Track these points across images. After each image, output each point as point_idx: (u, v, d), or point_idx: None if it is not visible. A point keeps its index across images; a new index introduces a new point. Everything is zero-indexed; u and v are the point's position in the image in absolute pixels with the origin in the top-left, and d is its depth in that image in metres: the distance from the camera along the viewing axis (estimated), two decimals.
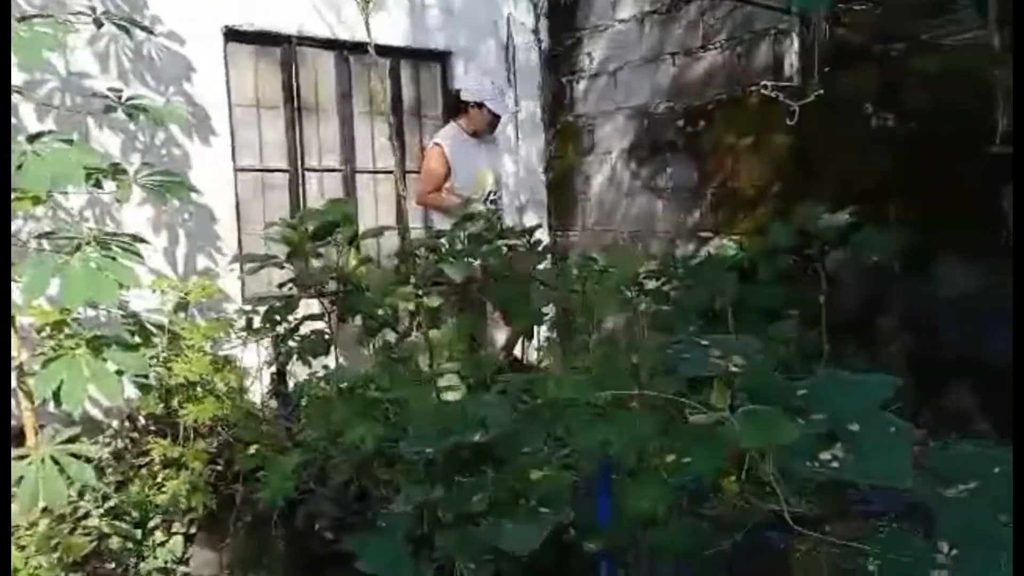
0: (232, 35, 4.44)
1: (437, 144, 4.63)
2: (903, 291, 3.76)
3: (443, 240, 3.75)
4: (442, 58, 5.28)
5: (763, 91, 4.33)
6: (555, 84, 5.61)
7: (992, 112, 3.36)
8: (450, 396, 2.41)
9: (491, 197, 4.53)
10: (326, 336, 2.92)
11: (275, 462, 2.42)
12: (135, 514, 2.57)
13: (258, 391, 2.97)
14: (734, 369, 1.55)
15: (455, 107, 4.72)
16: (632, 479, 1.63)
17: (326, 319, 3.02)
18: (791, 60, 4.33)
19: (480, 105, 4.55)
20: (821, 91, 4.08)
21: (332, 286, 3.10)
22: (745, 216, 4.49)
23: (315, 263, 3.12)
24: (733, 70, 4.52)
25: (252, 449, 2.50)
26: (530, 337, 3.75)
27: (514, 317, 3.63)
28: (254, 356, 2.89)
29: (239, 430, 2.58)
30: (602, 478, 1.80)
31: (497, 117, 4.62)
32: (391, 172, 5.17)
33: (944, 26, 3.72)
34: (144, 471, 2.78)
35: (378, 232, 3.40)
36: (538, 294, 3.42)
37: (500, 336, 4.37)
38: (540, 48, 5.57)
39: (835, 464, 1.30)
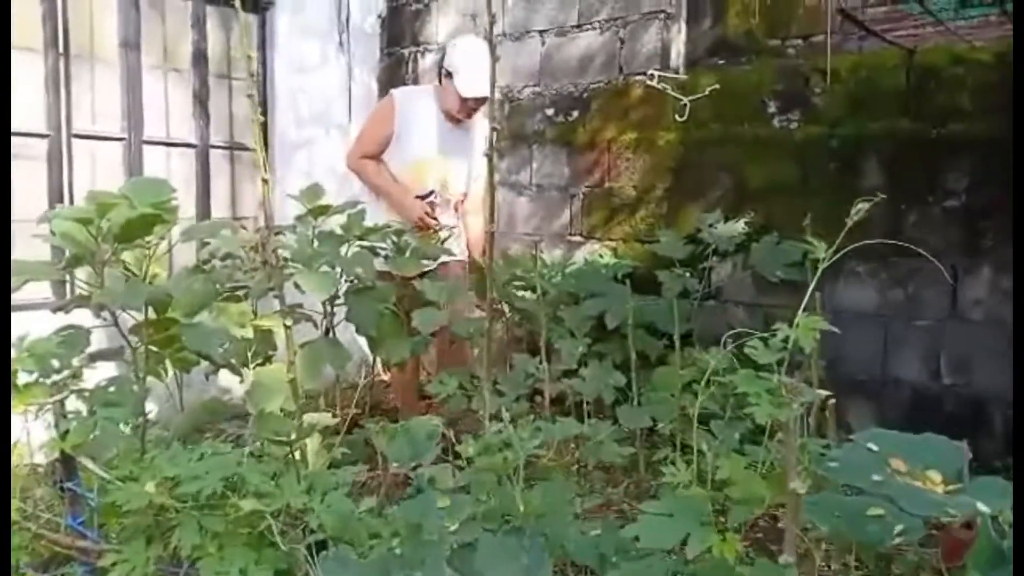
0: None
1: (391, 96, 3.42)
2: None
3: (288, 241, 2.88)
4: (261, 9, 4.27)
5: (649, 81, 3.86)
6: (396, 54, 4.79)
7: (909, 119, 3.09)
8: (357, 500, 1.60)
9: (430, 199, 3.39)
10: (133, 386, 1.95)
11: None
12: None
13: (39, 486, 1.91)
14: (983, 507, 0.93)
15: (439, 70, 3.43)
16: None
17: (131, 359, 2.04)
18: (678, 48, 3.88)
19: (450, 76, 3.30)
20: (717, 85, 3.68)
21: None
22: (623, 220, 3.99)
23: (111, 273, 2.13)
24: (614, 55, 3.99)
25: None
26: (402, 368, 2.96)
27: (379, 345, 2.82)
28: (19, 425, 1.86)
29: None
30: None
31: (471, 101, 3.29)
32: (192, 145, 4.10)
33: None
34: None
35: (215, 228, 2.45)
36: (423, 315, 2.64)
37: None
38: (382, 10, 4.72)
39: None
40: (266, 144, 4.43)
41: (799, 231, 3.36)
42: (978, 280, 3.08)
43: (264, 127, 4.41)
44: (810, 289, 1.58)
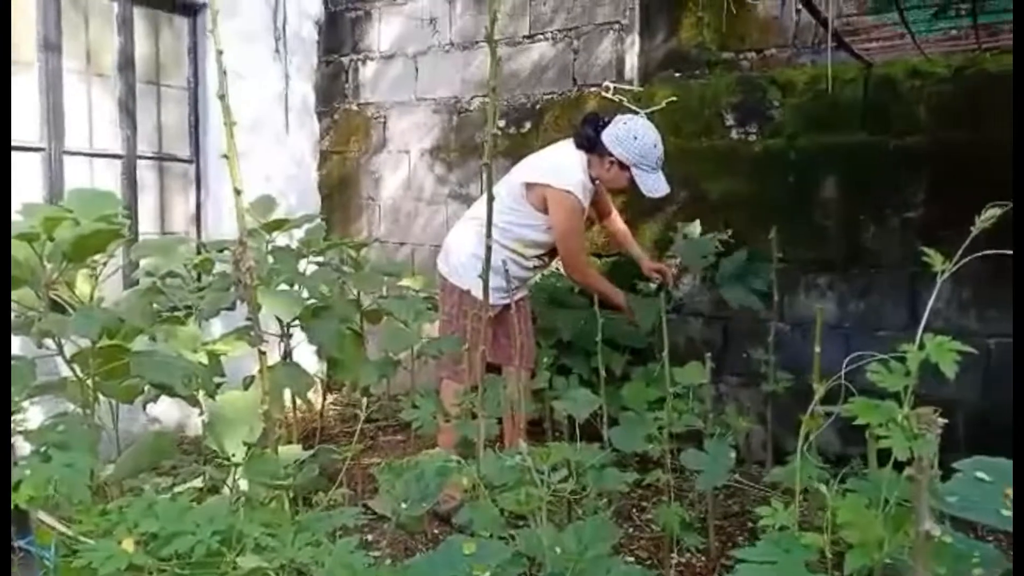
0: None
1: (570, 194, 3.04)
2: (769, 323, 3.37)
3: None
4: (192, 11, 4.02)
5: (604, 93, 3.80)
6: (335, 62, 4.59)
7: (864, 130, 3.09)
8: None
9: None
10: (83, 424, 1.72)
11: None
12: None
13: None
14: None
15: (590, 138, 3.09)
16: None
17: (81, 391, 1.81)
18: (632, 61, 3.84)
19: (624, 167, 3.05)
20: (674, 97, 3.64)
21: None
22: None
23: (57, 297, 1.90)
24: (567, 66, 3.92)
25: None
26: (364, 394, 2.77)
27: (339, 368, 2.64)
28: None
29: None
30: None
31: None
32: (118, 156, 3.81)
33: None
34: None
35: (170, 245, 2.21)
36: (392, 335, 2.47)
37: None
38: (319, 16, 4.53)
39: None
40: (197, 154, 4.18)
41: (759, 244, 3.37)
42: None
43: (196, 136, 4.16)
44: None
